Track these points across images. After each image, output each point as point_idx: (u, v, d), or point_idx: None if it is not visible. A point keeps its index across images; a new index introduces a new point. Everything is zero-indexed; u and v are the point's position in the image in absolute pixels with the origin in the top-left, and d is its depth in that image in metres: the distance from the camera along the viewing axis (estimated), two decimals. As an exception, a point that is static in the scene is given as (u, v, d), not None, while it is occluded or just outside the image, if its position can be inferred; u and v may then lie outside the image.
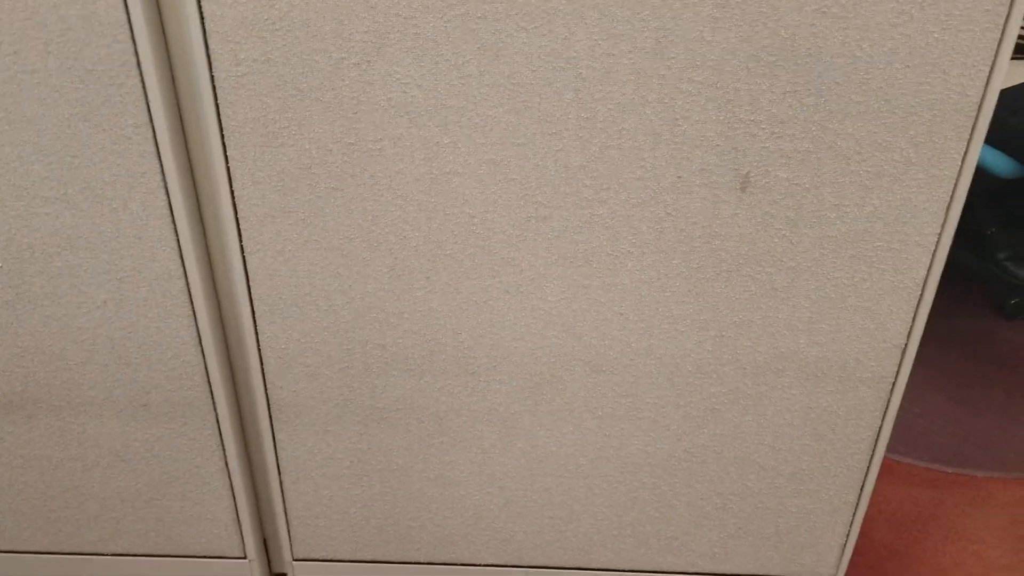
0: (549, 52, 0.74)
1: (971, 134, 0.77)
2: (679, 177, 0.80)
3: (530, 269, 0.86)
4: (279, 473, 1.01)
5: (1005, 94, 1.48)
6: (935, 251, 0.83)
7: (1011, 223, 1.80)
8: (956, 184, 0.79)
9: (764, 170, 0.79)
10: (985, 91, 0.75)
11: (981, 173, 1.61)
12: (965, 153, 0.78)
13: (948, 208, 0.81)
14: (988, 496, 1.37)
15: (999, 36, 0.72)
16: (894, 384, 0.92)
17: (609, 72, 0.75)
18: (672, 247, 0.84)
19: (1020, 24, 0.72)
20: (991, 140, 1.59)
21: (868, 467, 0.98)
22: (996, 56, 0.73)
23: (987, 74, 0.74)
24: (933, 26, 0.72)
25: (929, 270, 0.84)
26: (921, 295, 0.86)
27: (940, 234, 0.82)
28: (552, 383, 0.93)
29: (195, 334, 0.90)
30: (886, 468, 1.42)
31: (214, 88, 0.77)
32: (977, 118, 0.76)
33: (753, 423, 0.95)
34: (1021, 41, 1.59)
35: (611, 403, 0.94)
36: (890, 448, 1.46)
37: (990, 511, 1.34)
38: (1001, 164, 1.59)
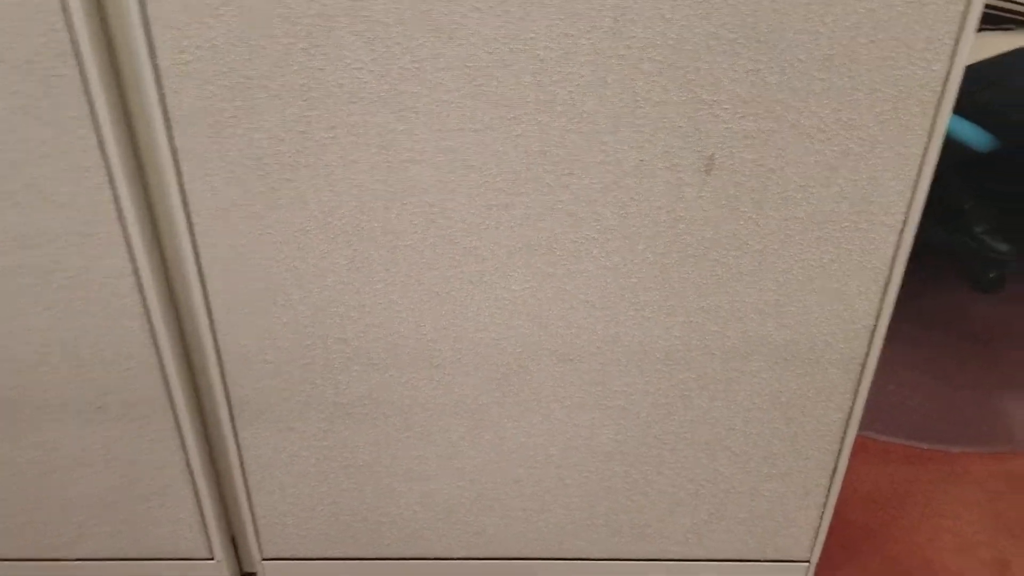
0: (505, 33, 0.72)
1: (937, 109, 0.76)
2: (641, 160, 0.78)
3: (492, 258, 0.83)
4: (244, 472, 0.99)
5: (974, 68, 1.47)
6: (902, 230, 0.82)
7: (987, 196, 1.80)
8: (923, 161, 0.78)
9: (728, 151, 0.77)
10: (951, 65, 0.73)
11: (958, 147, 1.60)
12: (931, 129, 0.76)
13: (915, 186, 0.79)
14: (964, 471, 1.37)
15: (964, 8, 0.71)
16: (864, 365, 0.90)
17: (568, 53, 0.73)
18: (637, 232, 0.82)
19: (984, -4, 0.70)
20: (967, 114, 1.58)
21: (840, 449, 0.97)
22: (962, 29, 0.72)
23: (952, 47, 0.73)
24: (896, -1, 0.70)
25: (897, 249, 0.83)
26: (889, 275, 0.84)
27: (907, 212, 0.81)
28: (519, 373, 0.91)
29: (149, 333, 0.88)
30: (861, 446, 1.42)
31: (158, 77, 0.74)
32: (943, 93, 0.75)
33: (723, 408, 0.94)
34: (988, 11, 1.58)
35: (579, 392, 0.92)
36: (865, 425, 1.46)
37: (966, 486, 1.34)
38: (977, 137, 1.59)
